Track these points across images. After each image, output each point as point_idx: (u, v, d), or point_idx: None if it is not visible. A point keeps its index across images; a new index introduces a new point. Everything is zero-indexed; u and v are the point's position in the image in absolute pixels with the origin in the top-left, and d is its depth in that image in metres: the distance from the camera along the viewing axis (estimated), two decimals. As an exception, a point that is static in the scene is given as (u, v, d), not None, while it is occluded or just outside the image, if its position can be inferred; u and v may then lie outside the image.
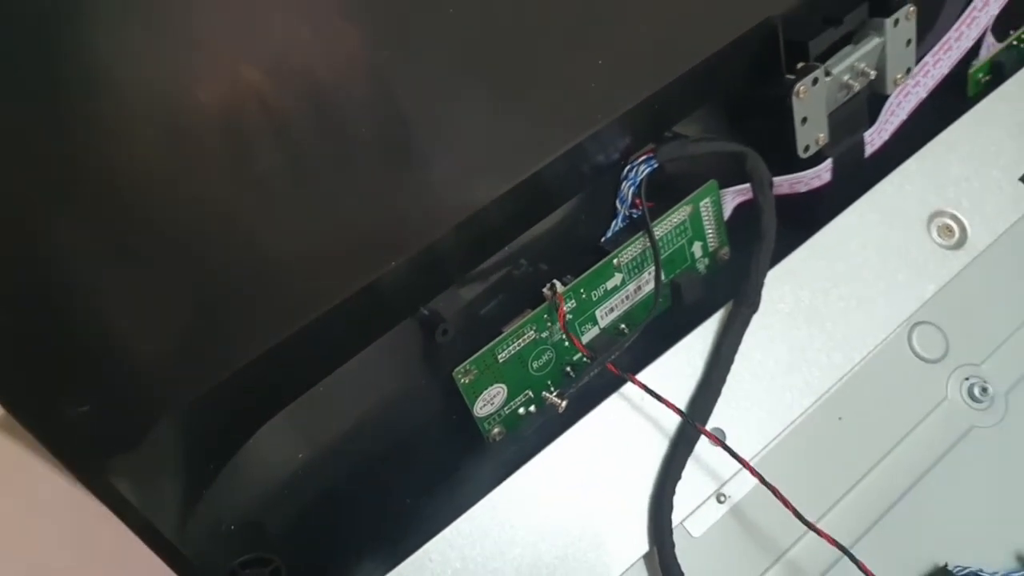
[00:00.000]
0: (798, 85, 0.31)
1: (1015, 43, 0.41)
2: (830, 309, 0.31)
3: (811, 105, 0.31)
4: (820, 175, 0.34)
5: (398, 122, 0.24)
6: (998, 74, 0.41)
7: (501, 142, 0.26)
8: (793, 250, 0.32)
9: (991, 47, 0.41)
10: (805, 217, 0.34)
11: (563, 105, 0.26)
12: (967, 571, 0.28)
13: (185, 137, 0.20)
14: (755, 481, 0.28)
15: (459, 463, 0.30)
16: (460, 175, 0.25)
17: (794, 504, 0.27)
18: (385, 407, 0.30)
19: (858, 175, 0.35)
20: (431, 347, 0.28)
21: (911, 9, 0.33)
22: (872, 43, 0.33)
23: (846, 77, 0.32)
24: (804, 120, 0.31)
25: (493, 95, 0.25)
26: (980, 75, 0.40)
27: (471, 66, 0.25)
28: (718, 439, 0.28)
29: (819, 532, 0.27)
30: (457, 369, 0.27)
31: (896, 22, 0.33)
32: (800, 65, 0.32)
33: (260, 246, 0.21)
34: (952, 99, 0.40)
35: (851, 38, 0.33)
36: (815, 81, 0.31)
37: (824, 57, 0.33)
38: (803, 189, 0.34)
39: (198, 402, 0.22)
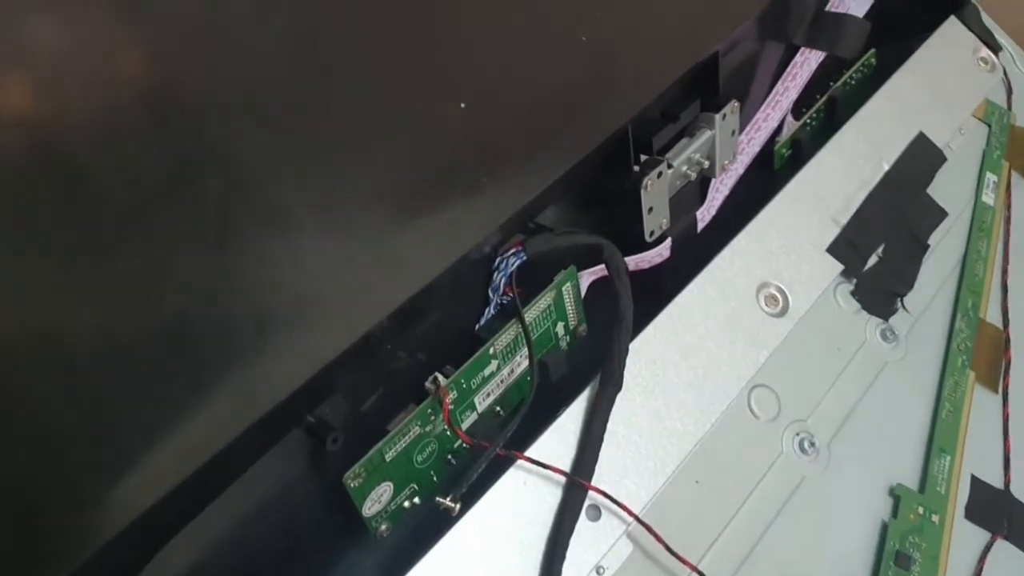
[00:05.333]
0: (646, 179, 0.34)
1: (808, 120, 0.47)
2: (681, 379, 0.34)
3: (656, 196, 0.35)
4: (661, 253, 0.37)
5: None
6: (797, 148, 0.46)
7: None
8: (643, 325, 0.35)
9: (790, 125, 0.46)
10: (650, 291, 0.37)
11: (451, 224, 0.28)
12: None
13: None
14: (628, 550, 0.31)
15: (350, 561, 0.30)
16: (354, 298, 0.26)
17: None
18: (285, 509, 0.29)
19: (693, 249, 0.39)
20: (322, 454, 0.28)
21: (735, 104, 0.37)
22: (705, 136, 0.36)
23: (684, 168, 0.36)
24: (651, 209, 0.35)
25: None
26: (784, 150, 0.46)
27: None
28: (606, 493, 0.30)
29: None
30: (347, 474, 0.27)
31: (724, 116, 0.37)
32: (645, 159, 0.35)
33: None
34: (762, 172, 0.45)
35: (685, 132, 0.37)
36: (660, 174, 0.34)
37: (664, 150, 0.36)
38: (646, 266, 0.37)
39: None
